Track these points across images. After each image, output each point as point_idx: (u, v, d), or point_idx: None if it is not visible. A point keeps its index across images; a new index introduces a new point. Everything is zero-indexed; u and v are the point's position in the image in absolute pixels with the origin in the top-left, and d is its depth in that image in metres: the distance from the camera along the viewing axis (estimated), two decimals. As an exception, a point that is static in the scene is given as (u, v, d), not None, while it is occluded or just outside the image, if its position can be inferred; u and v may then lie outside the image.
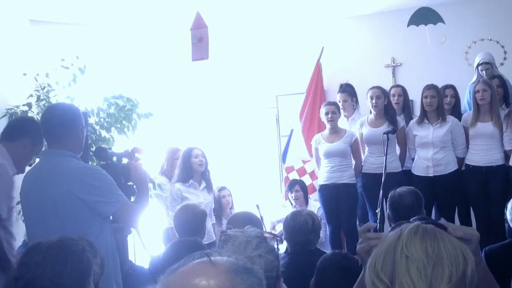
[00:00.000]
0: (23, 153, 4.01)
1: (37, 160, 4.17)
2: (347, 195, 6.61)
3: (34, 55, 7.04)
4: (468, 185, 6.23)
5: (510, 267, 3.54)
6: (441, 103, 6.33)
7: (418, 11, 6.36)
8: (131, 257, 4.46)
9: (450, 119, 6.30)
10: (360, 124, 6.68)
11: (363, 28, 8.08)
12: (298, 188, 6.99)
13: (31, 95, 6.59)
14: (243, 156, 8.51)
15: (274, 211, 7.29)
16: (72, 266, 2.10)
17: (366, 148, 6.63)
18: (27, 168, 3.91)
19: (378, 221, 5.71)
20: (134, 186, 3.65)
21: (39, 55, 7.04)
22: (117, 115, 6.66)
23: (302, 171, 7.64)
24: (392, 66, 8.03)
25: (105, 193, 3.29)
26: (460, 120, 6.37)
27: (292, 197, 6.98)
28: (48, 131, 3.47)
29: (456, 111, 6.61)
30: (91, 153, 5.26)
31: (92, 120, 6.49)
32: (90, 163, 4.84)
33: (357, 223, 6.89)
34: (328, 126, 6.70)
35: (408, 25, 6.41)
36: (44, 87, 6.61)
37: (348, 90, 7.22)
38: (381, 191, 5.80)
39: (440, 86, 6.47)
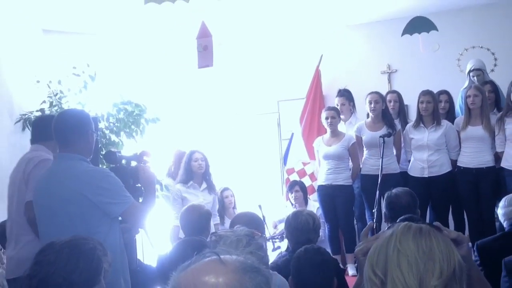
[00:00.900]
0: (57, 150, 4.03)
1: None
2: (343, 196, 6.62)
3: (47, 63, 7.08)
4: (460, 186, 6.22)
5: (501, 258, 3.55)
6: (436, 108, 6.34)
7: (411, 20, 6.37)
8: (139, 256, 4.46)
9: (445, 123, 6.31)
10: (357, 128, 6.68)
11: (360, 36, 8.09)
12: (298, 189, 7.00)
13: (44, 101, 6.62)
14: (246, 158, 8.51)
15: (275, 211, 7.30)
16: (84, 264, 2.11)
17: (366, 151, 6.62)
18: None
19: (375, 221, 5.72)
20: (142, 188, 3.66)
21: (52, 63, 7.07)
22: (126, 120, 6.69)
23: (302, 173, 7.64)
24: (388, 72, 8.04)
25: (113, 195, 3.29)
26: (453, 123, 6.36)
27: (292, 197, 6.98)
28: (59, 136, 3.48)
29: (451, 116, 6.60)
30: (101, 157, 5.30)
31: (102, 125, 6.52)
32: (100, 166, 4.88)
33: (355, 222, 6.90)
34: (328, 130, 6.71)
35: (402, 34, 6.42)
36: (57, 94, 6.64)
37: (345, 94, 7.23)
38: (377, 192, 5.82)
39: (434, 91, 6.47)
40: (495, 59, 7.32)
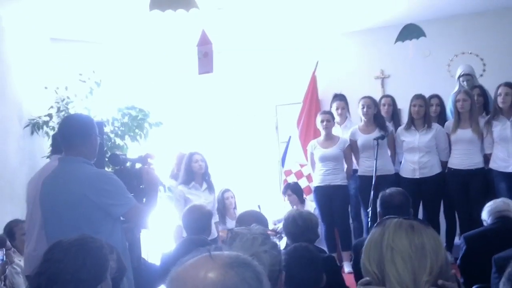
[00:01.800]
0: None
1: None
2: (340, 196, 6.65)
3: (54, 70, 7.09)
4: (450, 187, 6.22)
5: (487, 249, 3.56)
6: (428, 111, 6.35)
7: (403, 28, 6.38)
8: (143, 254, 4.46)
9: (435, 126, 6.32)
10: (351, 133, 6.68)
11: (354, 43, 8.09)
12: (290, 192, 7.01)
13: (51, 107, 6.63)
14: (246, 161, 8.52)
15: (274, 211, 7.30)
16: (91, 261, 2.11)
17: (362, 154, 6.62)
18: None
19: (370, 220, 5.73)
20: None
21: (59, 70, 7.08)
22: (130, 124, 6.71)
23: (299, 174, 7.65)
24: (381, 77, 8.04)
25: (115, 196, 3.29)
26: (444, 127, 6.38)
27: (286, 200, 7.00)
28: (65, 139, 3.48)
29: (442, 119, 6.61)
30: (106, 159, 5.31)
31: (107, 129, 6.53)
32: (105, 168, 4.89)
33: (350, 221, 6.92)
34: (323, 133, 6.73)
35: (395, 42, 6.43)
36: (64, 99, 6.65)
37: (343, 99, 7.28)
38: (372, 192, 5.83)
39: (426, 95, 6.48)
40: (484, 65, 7.35)
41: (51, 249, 2.15)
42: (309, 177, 7.47)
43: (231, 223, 6.89)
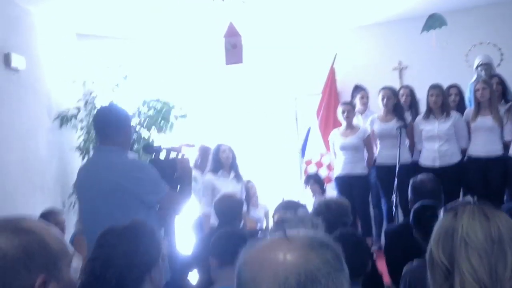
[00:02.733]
0: None
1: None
2: (360, 184, 6.54)
3: (82, 64, 7.02)
4: (469, 174, 6.08)
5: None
6: (445, 100, 6.22)
7: (428, 18, 6.28)
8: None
9: (454, 114, 6.19)
10: (371, 121, 6.60)
11: (371, 35, 7.94)
12: (313, 182, 6.88)
13: (79, 100, 6.58)
14: (267, 152, 8.43)
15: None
16: (145, 246, 2.05)
17: (379, 142, 6.53)
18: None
19: (394, 207, 5.66)
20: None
21: (86, 64, 7.03)
22: (155, 116, 6.65)
23: (319, 164, 7.54)
24: (399, 68, 7.89)
25: (149, 184, 3.24)
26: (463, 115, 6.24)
27: (308, 190, 6.89)
28: (101, 130, 3.42)
29: (461, 108, 6.48)
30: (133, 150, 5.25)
31: (133, 121, 6.48)
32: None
33: (371, 209, 6.82)
34: (344, 123, 6.64)
35: (422, 31, 6.34)
36: (91, 93, 6.59)
37: (365, 89, 7.22)
38: (395, 180, 5.74)
39: (444, 86, 6.35)
40: (502, 54, 7.18)
41: (104, 235, 2.09)
42: (329, 166, 7.36)
43: (254, 212, 6.82)
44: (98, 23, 6.81)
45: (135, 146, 6.16)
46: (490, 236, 1.48)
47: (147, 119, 6.60)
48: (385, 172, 6.32)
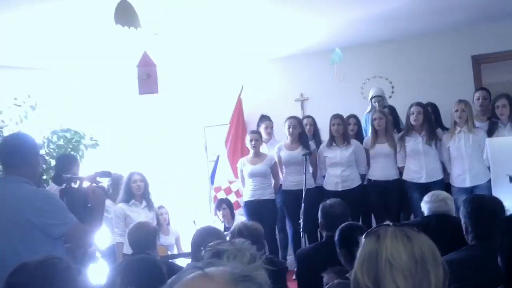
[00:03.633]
0: None
1: None
2: (268, 209, 6.54)
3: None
4: (370, 197, 6.24)
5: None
6: (346, 129, 6.39)
7: (333, 53, 6.49)
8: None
9: (354, 142, 6.37)
10: (278, 149, 6.64)
11: (276, 68, 8.05)
12: (225, 206, 6.79)
13: (-14, 130, 6.11)
14: (177, 179, 8.25)
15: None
16: (59, 283, 1.82)
17: (285, 169, 6.56)
18: None
19: (301, 230, 5.67)
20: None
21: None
22: (65, 146, 6.32)
23: (228, 190, 7.45)
24: (301, 100, 8.03)
25: (54, 216, 2.98)
26: (362, 143, 6.42)
27: (220, 214, 6.77)
28: (5, 159, 3.14)
29: (359, 136, 6.67)
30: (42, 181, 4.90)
31: (42, 151, 6.10)
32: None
33: (276, 233, 6.79)
34: (252, 151, 6.63)
35: (331, 64, 6.56)
36: (-3, 123, 6.16)
37: (269, 119, 7.23)
38: (302, 204, 5.78)
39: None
40: (392, 87, 7.48)
41: (15, 273, 1.83)
42: (237, 193, 7.29)
43: (164, 239, 6.61)
44: (5, 53, 6.37)
45: (44, 177, 5.78)
46: (414, 256, 1.44)
47: (56, 149, 6.23)
48: (291, 197, 6.38)
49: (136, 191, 5.82)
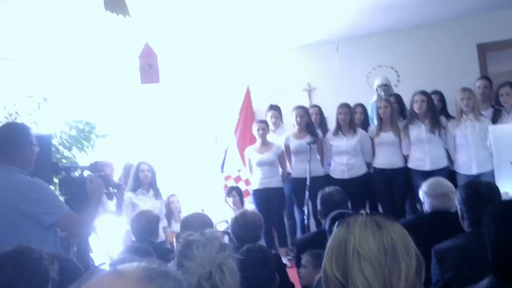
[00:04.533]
0: None
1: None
2: (276, 197, 6.41)
3: (1, 88, 6.48)
4: (376, 184, 6.07)
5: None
6: (352, 118, 6.23)
7: None
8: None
9: (359, 131, 6.20)
10: (286, 138, 6.49)
11: (284, 59, 7.89)
12: (235, 194, 6.70)
13: (0, 122, 6.06)
14: (190, 168, 8.12)
15: (217, 214, 6.94)
16: (30, 274, 1.70)
17: (294, 158, 6.42)
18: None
19: (306, 217, 5.54)
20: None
21: (6, 87, 6.49)
22: (77, 136, 6.27)
23: (237, 179, 7.36)
24: (308, 90, 7.86)
25: (41, 204, 2.85)
26: (367, 131, 6.25)
27: (230, 201, 6.67)
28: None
29: (365, 125, 6.49)
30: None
31: (55, 141, 6.05)
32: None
33: (285, 219, 6.67)
34: (259, 140, 6.49)
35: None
36: (12, 114, 6.11)
37: (277, 109, 7.06)
38: (306, 192, 5.63)
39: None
40: (398, 76, 7.28)
41: (-14, 261, 1.72)
42: (246, 181, 7.18)
43: (176, 226, 6.52)
44: (16, 46, 6.31)
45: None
46: (383, 246, 1.29)
47: (69, 139, 6.18)
48: (299, 185, 6.21)
49: (144, 180, 5.75)
